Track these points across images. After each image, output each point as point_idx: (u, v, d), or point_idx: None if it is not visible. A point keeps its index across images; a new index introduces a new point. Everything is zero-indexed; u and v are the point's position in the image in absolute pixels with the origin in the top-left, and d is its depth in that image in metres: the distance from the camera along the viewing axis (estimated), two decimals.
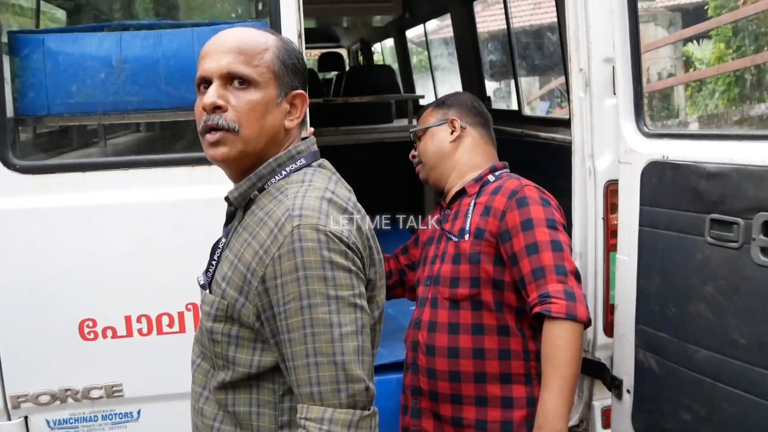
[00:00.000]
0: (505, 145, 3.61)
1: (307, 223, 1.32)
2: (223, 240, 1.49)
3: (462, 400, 2.07)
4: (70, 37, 2.32)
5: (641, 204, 2.20)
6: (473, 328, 2.04)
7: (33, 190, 2.18)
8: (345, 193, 1.46)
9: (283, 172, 1.44)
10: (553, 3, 3.31)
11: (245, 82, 1.38)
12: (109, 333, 2.24)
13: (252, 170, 1.44)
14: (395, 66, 5.84)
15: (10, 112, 2.21)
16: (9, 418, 2.24)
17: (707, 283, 1.96)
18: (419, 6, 4.82)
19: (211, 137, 1.39)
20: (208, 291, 1.47)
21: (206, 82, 1.40)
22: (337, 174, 1.52)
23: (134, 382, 2.28)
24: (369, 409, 1.33)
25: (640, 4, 2.27)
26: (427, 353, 2.10)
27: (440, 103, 2.29)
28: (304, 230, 1.31)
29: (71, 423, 2.29)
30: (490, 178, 2.15)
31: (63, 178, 2.21)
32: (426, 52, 7.25)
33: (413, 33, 5.83)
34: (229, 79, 1.38)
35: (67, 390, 2.25)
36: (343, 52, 8.01)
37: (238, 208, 1.48)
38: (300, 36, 2.27)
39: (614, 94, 2.37)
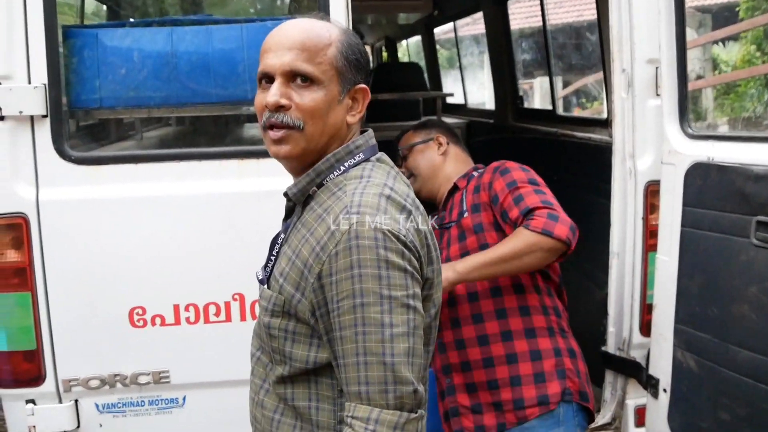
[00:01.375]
0: (540, 145, 3.63)
1: (365, 221, 1.31)
2: (282, 235, 1.49)
3: (494, 362, 2.13)
4: (122, 32, 2.36)
5: (684, 205, 2.19)
6: (491, 291, 2.16)
7: (87, 180, 2.22)
8: (403, 189, 1.44)
9: (342, 168, 1.43)
10: (582, 2, 3.30)
11: (308, 80, 1.37)
12: (158, 321, 2.27)
13: (313, 165, 1.43)
14: (419, 62, 5.84)
15: (64, 104, 2.25)
16: (60, 401, 2.29)
17: (752, 284, 1.96)
18: (449, 4, 4.80)
19: (274, 134, 1.38)
20: (266, 286, 1.46)
21: (268, 77, 1.39)
22: (396, 168, 1.50)
23: (181, 369, 2.32)
24: (416, 412, 1.31)
25: None
26: (453, 326, 2.19)
27: (421, 126, 2.54)
28: (362, 228, 1.30)
29: (119, 407, 2.33)
30: (474, 173, 2.35)
31: (116, 169, 2.24)
32: (448, 49, 7.24)
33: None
34: (292, 76, 1.37)
35: (116, 375, 2.29)
36: (368, 48, 8.01)
37: (297, 204, 1.47)
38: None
39: (657, 94, 2.37)
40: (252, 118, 2.46)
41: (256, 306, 2.28)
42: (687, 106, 2.24)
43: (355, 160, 1.44)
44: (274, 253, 1.49)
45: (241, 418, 2.34)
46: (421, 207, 1.45)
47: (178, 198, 2.25)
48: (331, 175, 1.43)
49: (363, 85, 1.44)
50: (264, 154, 2.23)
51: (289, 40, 1.38)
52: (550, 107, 3.89)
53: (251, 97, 2.41)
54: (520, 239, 2.01)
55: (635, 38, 2.37)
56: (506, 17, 4.15)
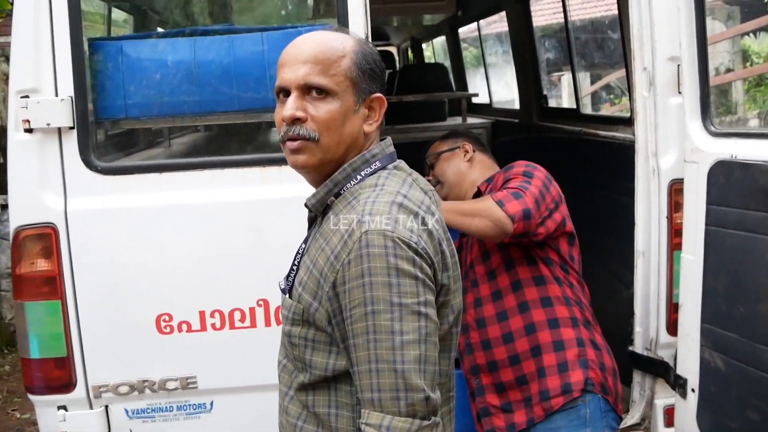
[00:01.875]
0: (563, 144, 3.62)
1: (375, 228, 1.33)
2: (303, 246, 1.52)
3: (519, 358, 2.16)
4: (146, 43, 2.42)
5: (708, 203, 2.18)
6: (513, 286, 2.19)
7: (113, 190, 2.28)
8: (418, 195, 1.45)
9: (358, 177, 1.45)
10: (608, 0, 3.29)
11: (323, 92, 1.40)
12: (184, 327, 2.32)
13: (330, 175, 1.46)
14: (445, 63, 5.85)
15: (90, 116, 2.31)
16: (91, 407, 2.34)
17: None
18: (473, 4, 4.81)
19: (291, 145, 1.42)
20: (287, 296, 1.49)
21: (284, 91, 1.42)
22: (415, 174, 1.52)
23: (208, 375, 2.36)
24: (429, 420, 1.32)
25: None
26: (479, 327, 2.22)
27: (448, 135, 2.57)
28: (372, 236, 1.32)
29: (148, 413, 2.38)
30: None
31: (141, 179, 2.29)
32: (473, 49, 7.22)
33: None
34: (307, 89, 1.40)
35: (144, 381, 2.34)
36: (393, 50, 8.04)
37: (317, 214, 1.50)
38: (367, 38, 2.30)
39: (679, 92, 2.36)
40: (273, 125, 2.50)
41: (280, 313, 2.33)
42: (709, 104, 2.23)
43: (371, 168, 1.46)
44: (296, 263, 1.52)
45: (267, 423, 2.39)
46: (438, 213, 1.47)
47: (203, 206, 2.30)
48: (348, 185, 1.45)
49: (378, 94, 1.47)
50: (286, 161, 2.30)
51: (304, 54, 1.42)
52: (574, 105, 3.87)
53: (273, 103, 2.47)
54: (480, 202, 2.11)
55: (656, 36, 2.36)
56: (529, 15, 4.14)
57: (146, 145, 3.00)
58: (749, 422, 2.08)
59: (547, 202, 2.12)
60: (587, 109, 6.35)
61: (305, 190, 2.25)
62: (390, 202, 1.37)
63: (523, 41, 4.23)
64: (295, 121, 1.40)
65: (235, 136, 2.77)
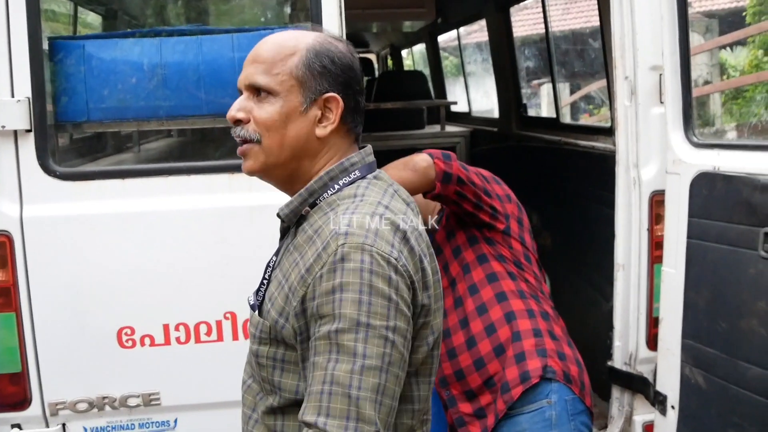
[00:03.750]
0: (543, 153, 3.60)
1: (353, 242, 1.25)
2: (275, 258, 1.44)
3: (483, 360, 2.11)
4: (109, 43, 2.33)
5: (690, 216, 2.16)
6: (470, 290, 2.18)
7: (73, 196, 2.19)
8: (400, 207, 1.38)
9: (336, 186, 1.38)
10: (581, 9, 3.28)
11: (264, 92, 1.35)
12: (147, 341, 2.24)
13: (293, 183, 1.40)
14: (424, 70, 5.83)
15: (50, 118, 2.22)
16: (47, 425, 2.25)
17: (761, 298, 1.92)
18: (452, 12, 4.80)
19: (239, 149, 1.39)
20: (257, 312, 1.41)
21: (240, 92, 1.41)
22: (395, 185, 1.45)
23: (171, 391, 2.28)
24: None
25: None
26: (444, 337, 2.17)
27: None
28: (348, 249, 1.25)
29: (108, 431, 2.29)
30: None
31: (103, 185, 2.21)
32: (452, 58, 7.23)
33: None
34: (253, 89, 1.37)
35: (104, 398, 2.25)
36: (372, 57, 8.01)
37: (290, 226, 1.43)
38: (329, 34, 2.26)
39: (661, 102, 2.34)
40: None
41: (249, 330, 2.26)
42: (692, 114, 2.21)
43: (350, 177, 1.39)
44: (266, 276, 1.44)
45: None
46: (420, 228, 1.40)
47: (168, 214, 2.23)
48: (325, 195, 1.38)
49: (332, 94, 1.37)
50: None
51: (256, 53, 1.39)
52: (553, 115, 3.86)
53: None
54: (409, 158, 2.10)
55: (638, 44, 2.35)
56: (509, 24, 4.14)
57: (113, 150, 2.92)
58: None
59: (480, 178, 2.14)
60: (566, 118, 6.37)
61: (276, 198, 2.17)
62: (371, 213, 1.31)
63: (503, 50, 4.23)
64: (237, 122, 1.37)
65: (203, 142, 2.70)
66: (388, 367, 1.23)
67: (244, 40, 2.34)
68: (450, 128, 4.40)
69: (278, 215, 1.43)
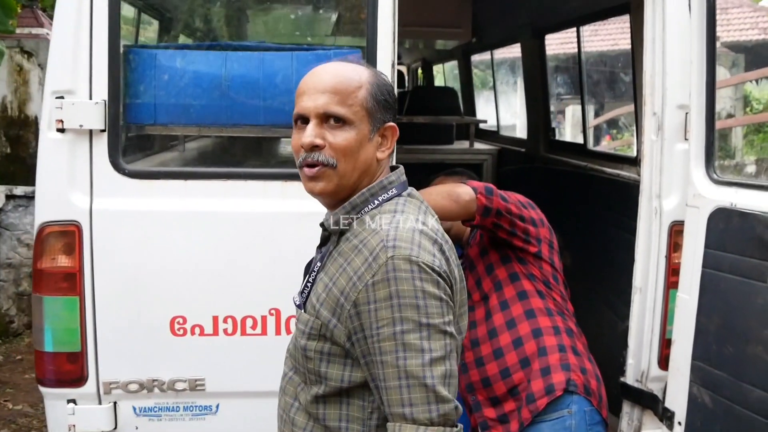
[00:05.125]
0: (569, 177, 3.82)
1: (401, 254, 1.46)
2: (318, 263, 1.64)
3: (509, 371, 2.34)
4: (179, 54, 2.58)
5: (706, 247, 2.38)
6: (501, 305, 2.40)
7: (139, 193, 2.42)
8: (434, 223, 1.60)
9: (376, 202, 1.58)
10: (609, 32, 3.47)
11: (341, 121, 1.52)
12: (197, 330, 2.47)
13: (346, 200, 1.59)
14: (453, 85, 6.04)
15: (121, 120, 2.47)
16: (100, 402, 2.47)
17: (767, 327, 2.13)
18: (488, 34, 5.02)
19: (309, 171, 1.56)
20: (303, 311, 1.62)
21: (303, 118, 1.56)
22: (426, 203, 1.66)
23: (216, 378, 2.50)
24: (457, 426, 1.47)
25: None
26: (473, 347, 2.41)
27: (453, 173, 2.79)
28: (398, 261, 1.46)
29: (155, 411, 2.52)
30: None
31: (166, 184, 2.44)
32: (479, 72, 7.42)
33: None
34: (326, 117, 1.53)
35: (154, 380, 2.48)
36: (403, 69, 8.23)
37: (332, 234, 1.62)
38: (393, 65, 2.49)
39: (685, 139, 2.56)
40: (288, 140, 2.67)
41: (292, 322, 2.49)
42: (713, 152, 2.43)
43: (388, 194, 1.60)
44: (311, 279, 1.64)
45: (269, 428, 2.55)
46: (449, 241, 1.61)
47: (224, 214, 2.45)
48: (366, 208, 1.58)
49: (391, 123, 1.60)
50: None
51: (323, 83, 1.55)
52: (580, 140, 4.08)
53: None
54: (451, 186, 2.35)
55: (667, 84, 2.56)
56: (543, 50, 4.35)
57: (159, 149, 3.15)
58: None
59: (518, 206, 2.34)
60: (591, 142, 6.57)
61: (323, 206, 2.41)
62: (412, 228, 1.51)
63: (535, 73, 4.44)
64: (314, 148, 1.53)
65: (252, 145, 2.92)
66: (449, 354, 1.48)
67: (302, 57, 2.59)
68: (478, 145, 4.62)
69: (322, 225, 1.65)
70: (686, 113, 2.55)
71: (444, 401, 1.45)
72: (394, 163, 1.76)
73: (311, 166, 1.55)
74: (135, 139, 3.00)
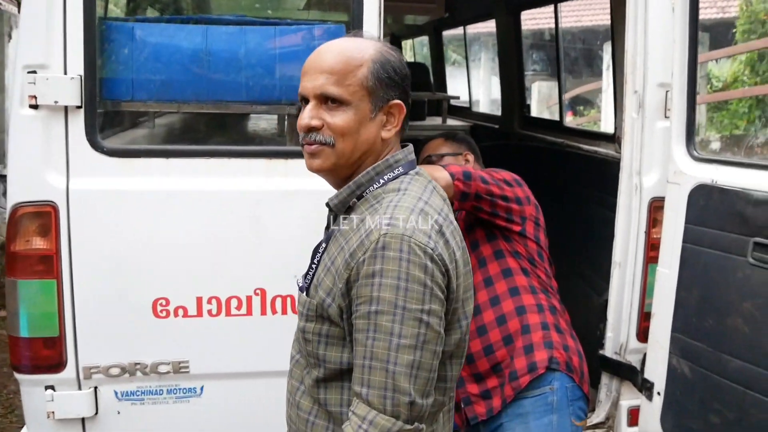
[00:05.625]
0: (545, 154, 3.88)
1: (394, 232, 1.44)
2: (323, 245, 1.64)
3: (492, 348, 2.38)
4: (158, 27, 2.52)
5: (686, 222, 2.46)
6: (485, 282, 2.43)
7: (118, 172, 2.37)
8: (438, 203, 1.57)
9: (381, 181, 1.57)
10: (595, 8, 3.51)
11: (337, 101, 1.53)
12: (181, 312, 2.44)
13: (352, 178, 1.59)
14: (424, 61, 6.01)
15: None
16: (80, 388, 2.44)
17: (746, 300, 2.23)
18: (462, 10, 5.01)
19: (308, 148, 1.57)
20: (305, 293, 1.61)
21: (304, 98, 1.57)
22: (433, 182, 1.65)
23: (200, 360, 2.49)
24: (412, 425, 1.42)
25: None
26: None
27: (451, 137, 2.77)
28: (389, 239, 1.43)
29: (138, 395, 2.49)
30: None
31: (147, 163, 2.40)
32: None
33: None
34: (323, 98, 1.54)
35: (136, 364, 2.45)
36: None
37: (338, 214, 1.63)
38: (380, 40, 2.48)
39: (666, 117, 2.63)
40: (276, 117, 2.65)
41: (278, 302, 2.49)
42: (694, 130, 2.50)
43: (394, 173, 1.59)
44: (315, 261, 1.63)
45: (254, 409, 2.56)
46: (455, 222, 1.59)
47: (207, 193, 2.42)
48: (371, 188, 1.58)
49: (397, 101, 1.58)
50: (292, 155, 2.46)
51: (323, 63, 1.55)
52: (554, 116, 4.13)
53: (279, 97, 2.60)
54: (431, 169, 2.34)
55: (648, 63, 2.62)
56: (518, 26, 4.37)
57: (129, 125, 3.08)
58: (710, 425, 2.37)
59: (500, 186, 2.36)
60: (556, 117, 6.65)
61: (308, 184, 2.42)
62: (411, 207, 1.49)
63: (510, 50, 4.47)
64: (311, 129, 1.55)
65: (234, 125, 2.89)
66: (423, 345, 1.42)
67: (284, 31, 2.56)
68: (451, 122, 4.64)
69: (327, 204, 1.64)
70: (667, 91, 2.62)
71: (400, 392, 1.41)
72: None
73: (310, 144, 1.56)
74: (113, 115, 2.94)
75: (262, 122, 2.82)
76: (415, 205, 1.50)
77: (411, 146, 1.67)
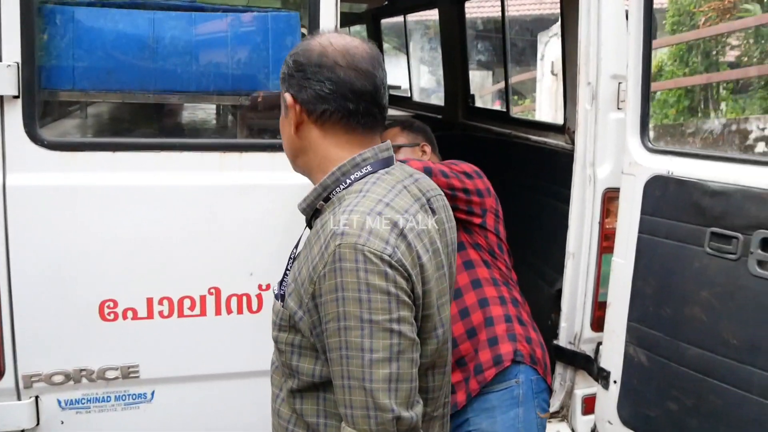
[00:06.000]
0: (491, 144, 3.90)
1: (348, 242, 1.36)
2: (295, 250, 1.58)
3: (457, 341, 2.35)
4: (101, 12, 2.37)
5: (642, 213, 2.50)
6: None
7: (60, 167, 2.23)
8: (404, 203, 1.48)
9: (348, 181, 1.50)
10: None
11: None
12: (130, 314, 2.33)
13: (312, 178, 1.56)
14: None
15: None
16: (19, 398, 2.29)
17: (703, 289, 2.29)
18: None
19: None
20: (281, 301, 1.53)
21: None
22: (409, 180, 1.57)
23: (151, 363, 2.38)
24: None
25: None
26: None
27: (408, 126, 2.74)
28: (344, 250, 1.36)
29: (83, 403, 2.37)
30: None
31: (92, 157, 2.26)
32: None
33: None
34: None
35: (82, 370, 2.32)
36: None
37: (307, 218, 1.57)
38: (336, 29, 2.42)
39: (618, 108, 2.68)
40: (232, 109, 2.55)
41: (233, 301, 2.40)
42: (648, 122, 2.55)
43: (361, 172, 1.51)
44: (288, 267, 1.57)
45: (208, 413, 2.48)
46: (422, 223, 1.50)
47: (157, 189, 2.31)
48: (337, 189, 1.50)
49: (285, 94, 1.52)
50: (246, 148, 2.38)
51: None
52: (502, 108, 4.15)
53: (232, 87, 2.51)
54: None
55: (602, 54, 2.66)
56: (462, 16, 4.37)
57: (59, 115, 2.92)
58: (668, 411, 2.43)
59: (461, 179, 2.34)
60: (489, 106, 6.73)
61: (265, 178, 2.33)
62: (367, 211, 1.41)
63: (454, 39, 4.46)
64: None
65: (182, 117, 2.78)
66: (397, 355, 1.36)
67: (238, 20, 2.46)
68: (392, 112, 4.59)
69: (299, 208, 1.57)
70: (619, 83, 2.66)
71: (382, 410, 1.35)
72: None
73: None
74: (54, 106, 2.76)
75: (215, 114, 2.71)
76: (373, 208, 1.42)
77: (388, 143, 1.59)
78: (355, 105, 1.48)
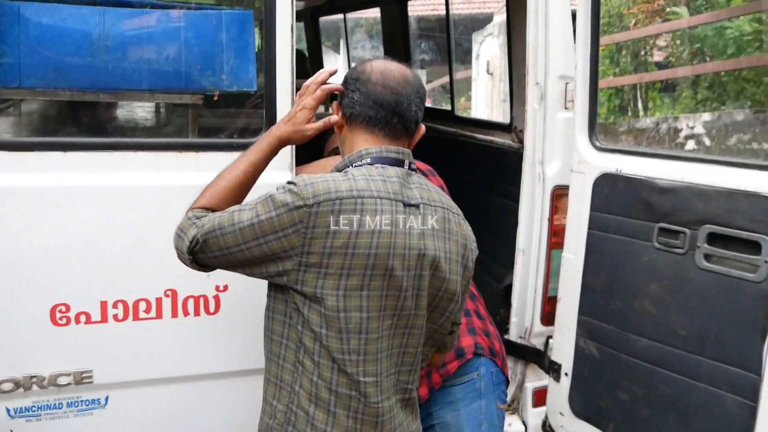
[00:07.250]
0: (439, 144, 3.97)
1: (284, 182, 1.75)
2: None
3: None
4: (48, 8, 2.31)
5: (592, 209, 2.62)
6: None
7: (9, 167, 2.17)
8: (366, 185, 1.75)
9: (352, 167, 1.83)
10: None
11: None
12: (83, 318, 2.28)
13: None
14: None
15: None
16: None
17: (652, 282, 2.42)
18: None
19: None
20: None
21: None
22: (397, 178, 1.80)
23: (105, 369, 2.34)
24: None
25: None
26: None
27: None
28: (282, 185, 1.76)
29: (34, 411, 2.31)
30: None
31: (42, 157, 2.21)
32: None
33: None
34: None
35: (32, 377, 2.27)
36: None
37: None
38: (292, 29, 2.44)
39: (566, 108, 2.79)
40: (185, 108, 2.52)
41: (190, 303, 2.39)
42: (596, 121, 2.67)
43: (360, 163, 1.83)
44: None
45: (165, 417, 2.45)
46: (372, 209, 1.73)
47: (110, 189, 2.27)
48: (344, 171, 1.82)
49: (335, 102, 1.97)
50: (203, 147, 2.37)
51: None
52: (448, 107, 4.22)
53: (185, 86, 2.48)
54: None
55: (550, 55, 2.76)
56: (405, 14, 4.42)
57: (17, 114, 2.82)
58: (618, 401, 2.55)
59: None
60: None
61: None
62: (320, 179, 1.73)
63: (396, 39, 4.50)
64: None
65: (134, 115, 2.73)
66: (231, 224, 1.75)
67: (189, 16, 2.44)
68: None
69: None
70: (566, 83, 2.77)
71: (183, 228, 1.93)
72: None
73: None
74: None
75: (170, 113, 2.68)
76: (327, 178, 1.74)
77: (406, 150, 1.86)
78: (375, 112, 1.82)
